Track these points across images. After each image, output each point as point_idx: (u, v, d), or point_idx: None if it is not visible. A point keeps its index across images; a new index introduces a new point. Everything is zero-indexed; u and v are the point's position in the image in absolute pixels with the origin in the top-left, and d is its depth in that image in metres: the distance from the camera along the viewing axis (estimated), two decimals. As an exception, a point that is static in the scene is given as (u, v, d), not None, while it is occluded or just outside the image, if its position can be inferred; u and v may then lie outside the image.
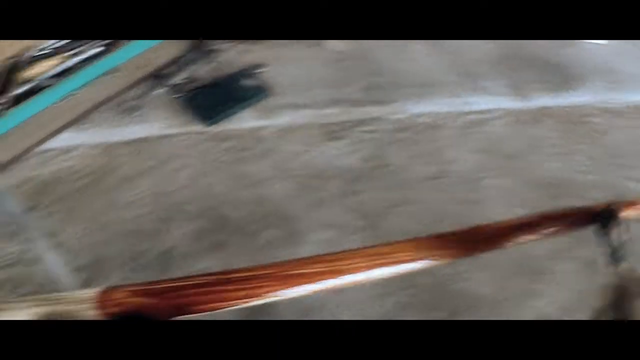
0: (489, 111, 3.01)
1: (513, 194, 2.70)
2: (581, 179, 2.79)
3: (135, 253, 2.40)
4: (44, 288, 2.27)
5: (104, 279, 2.32)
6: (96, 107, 2.76)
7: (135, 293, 0.97)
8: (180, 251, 2.42)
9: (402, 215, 2.59)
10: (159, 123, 2.77)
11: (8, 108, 2.58)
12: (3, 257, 2.35)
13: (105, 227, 2.46)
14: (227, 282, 0.99)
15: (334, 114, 2.90)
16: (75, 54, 2.77)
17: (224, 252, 2.42)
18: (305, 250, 2.47)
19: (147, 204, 2.53)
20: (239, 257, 2.41)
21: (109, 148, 2.69)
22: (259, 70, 2.98)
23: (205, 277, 0.99)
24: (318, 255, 1.00)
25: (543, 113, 3.04)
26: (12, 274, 2.31)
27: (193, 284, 1.00)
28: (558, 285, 2.43)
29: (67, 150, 2.67)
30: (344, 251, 1.02)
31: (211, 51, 2.96)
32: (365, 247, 1.05)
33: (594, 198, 1.39)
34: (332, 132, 2.84)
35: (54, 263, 2.00)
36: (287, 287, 0.99)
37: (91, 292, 0.95)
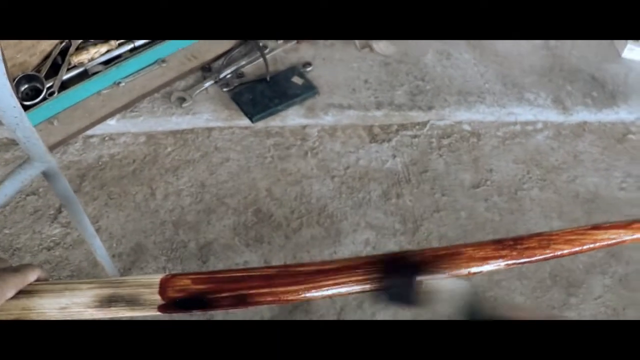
0: (531, 123, 2.93)
1: (551, 207, 2.64)
2: (619, 196, 2.72)
3: (175, 243, 2.34)
4: (82, 272, 2.23)
5: (143, 267, 2.27)
6: (144, 96, 2.70)
7: (199, 281, 0.94)
8: (220, 244, 2.35)
9: (441, 221, 2.52)
10: (205, 115, 2.70)
11: (56, 92, 2.52)
12: (44, 240, 2.30)
13: (146, 216, 2.40)
14: (289, 275, 0.97)
15: (378, 117, 2.83)
16: (125, 42, 2.71)
17: (264, 248, 2.36)
18: (345, 250, 2.40)
19: (189, 195, 2.47)
20: (278, 253, 2.35)
21: (154, 137, 2.63)
22: (306, 69, 2.90)
23: (267, 269, 0.98)
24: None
25: (584, 128, 2.96)
26: (51, 257, 2.26)
27: (256, 275, 0.97)
28: (592, 300, 2.38)
29: (112, 137, 2.61)
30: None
31: (260, 47, 2.88)
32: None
33: (630, 215, 1.34)
34: (376, 134, 2.76)
35: (95, 248, 1.93)
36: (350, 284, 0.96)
37: (155, 277, 0.94)
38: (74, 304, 0.90)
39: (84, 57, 2.60)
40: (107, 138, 2.60)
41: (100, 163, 2.52)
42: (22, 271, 0.88)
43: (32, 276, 0.89)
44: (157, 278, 0.93)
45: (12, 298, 0.88)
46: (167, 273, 0.96)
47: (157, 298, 0.91)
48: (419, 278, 0.88)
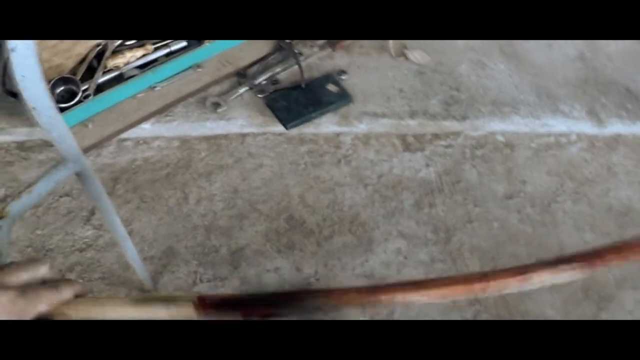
0: (565, 134, 2.87)
1: (584, 220, 2.59)
2: (652, 210, 2.66)
3: (206, 248, 2.31)
4: (114, 275, 2.21)
5: (174, 271, 2.25)
6: (178, 100, 2.68)
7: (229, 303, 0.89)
8: (251, 249, 2.32)
9: (474, 232, 2.48)
10: (239, 121, 2.67)
11: (92, 95, 2.50)
12: (76, 241, 2.28)
13: (178, 220, 2.37)
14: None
15: (412, 126, 2.78)
16: (160, 47, 2.68)
17: (296, 254, 2.32)
18: (376, 258, 2.36)
19: (221, 200, 2.44)
20: (310, 259, 2.32)
21: (187, 142, 2.60)
22: (341, 77, 2.86)
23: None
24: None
25: (618, 140, 2.90)
26: (83, 259, 2.24)
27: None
28: (624, 314, 2.34)
29: (146, 141, 2.58)
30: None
31: (295, 54, 2.84)
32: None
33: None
34: (409, 143, 2.72)
35: (126, 251, 1.91)
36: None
37: (191, 295, 0.88)
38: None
39: (119, 60, 2.58)
40: (141, 142, 2.57)
41: (133, 166, 2.49)
42: (59, 287, 0.84)
43: (67, 293, 0.85)
44: (193, 296, 0.88)
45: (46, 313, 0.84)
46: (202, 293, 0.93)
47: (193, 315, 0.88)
48: None
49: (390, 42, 3.04)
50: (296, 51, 2.89)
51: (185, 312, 0.85)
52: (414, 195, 2.55)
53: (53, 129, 1.23)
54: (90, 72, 2.56)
